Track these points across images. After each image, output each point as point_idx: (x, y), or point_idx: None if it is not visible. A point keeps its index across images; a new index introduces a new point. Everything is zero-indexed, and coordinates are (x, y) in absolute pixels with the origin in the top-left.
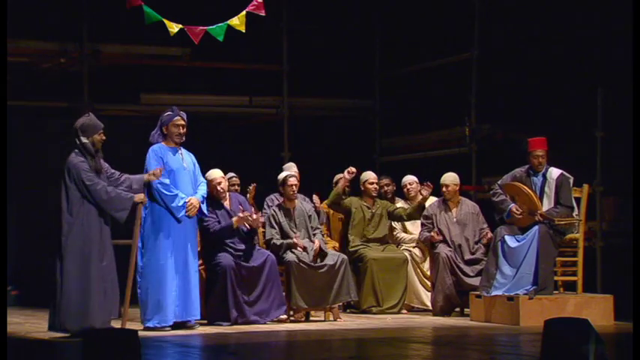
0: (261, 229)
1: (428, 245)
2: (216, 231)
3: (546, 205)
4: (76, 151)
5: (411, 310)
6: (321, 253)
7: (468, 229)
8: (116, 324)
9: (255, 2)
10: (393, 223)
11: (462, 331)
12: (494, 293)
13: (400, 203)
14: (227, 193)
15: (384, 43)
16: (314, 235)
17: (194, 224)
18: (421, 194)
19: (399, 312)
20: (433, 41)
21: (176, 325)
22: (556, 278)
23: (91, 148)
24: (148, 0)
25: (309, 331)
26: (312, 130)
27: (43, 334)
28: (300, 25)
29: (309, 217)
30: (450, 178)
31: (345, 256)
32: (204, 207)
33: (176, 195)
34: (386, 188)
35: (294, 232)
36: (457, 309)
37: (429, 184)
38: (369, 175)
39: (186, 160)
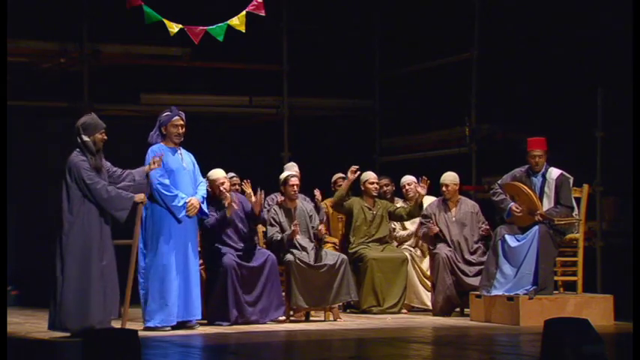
0: (261, 228)
1: (427, 241)
2: (213, 224)
3: (546, 205)
4: (78, 150)
5: (411, 309)
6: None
7: (468, 228)
8: (116, 324)
9: (255, 2)
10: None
11: (462, 331)
12: (494, 293)
13: (400, 203)
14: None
15: (384, 43)
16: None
17: (195, 224)
18: (418, 192)
19: (399, 312)
20: (433, 41)
21: (176, 325)
22: (556, 278)
23: (92, 147)
24: (147, 0)
25: (309, 331)
26: (312, 130)
27: (43, 334)
28: (300, 25)
29: (310, 216)
30: (450, 178)
31: (345, 256)
32: (204, 207)
33: (176, 195)
34: (385, 188)
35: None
36: (457, 309)
37: (424, 178)
38: (370, 175)
39: (185, 160)
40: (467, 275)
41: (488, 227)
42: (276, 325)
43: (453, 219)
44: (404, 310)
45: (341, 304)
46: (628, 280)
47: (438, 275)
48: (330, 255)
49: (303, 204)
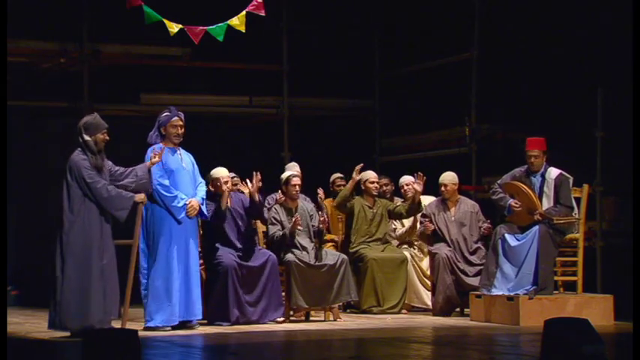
0: (262, 228)
1: (424, 240)
2: (212, 217)
3: (545, 205)
4: (79, 149)
5: (412, 309)
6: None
7: (467, 228)
8: (116, 324)
9: (255, 2)
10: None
11: (462, 331)
12: (494, 292)
13: (399, 203)
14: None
15: (384, 43)
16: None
17: (195, 224)
18: (414, 188)
19: (399, 312)
20: (433, 41)
21: (177, 325)
22: (556, 278)
23: (93, 147)
24: (147, 0)
25: (309, 331)
26: (312, 130)
27: (43, 334)
28: (300, 25)
29: (310, 216)
30: (449, 178)
31: (345, 256)
32: (204, 208)
33: (176, 196)
34: (385, 188)
35: (298, 229)
36: (457, 309)
37: (420, 174)
38: (370, 175)
39: (185, 160)
40: (467, 275)
41: (490, 225)
42: (276, 325)
43: (452, 219)
44: (404, 311)
45: (341, 304)
46: (628, 280)
47: (438, 275)
48: (331, 255)
49: (304, 204)
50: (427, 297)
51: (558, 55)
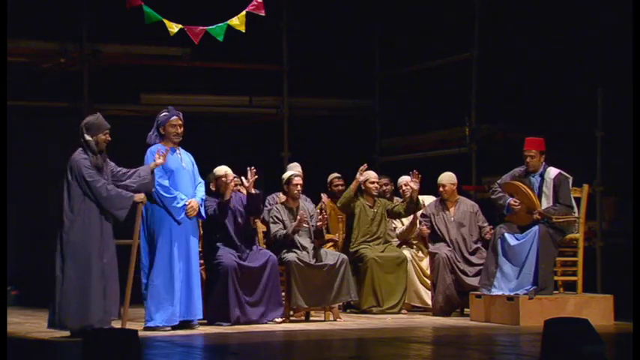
0: (262, 228)
1: (421, 241)
2: (215, 212)
3: (545, 204)
4: (81, 148)
5: (412, 309)
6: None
7: (466, 228)
8: (116, 324)
9: (255, 2)
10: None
11: (462, 331)
12: (494, 292)
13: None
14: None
15: (384, 43)
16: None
17: (195, 224)
18: (410, 187)
19: (399, 312)
20: (433, 41)
21: (177, 325)
22: (556, 278)
23: (94, 147)
24: (147, 0)
25: (309, 331)
26: (312, 130)
27: (43, 334)
28: (300, 25)
29: (311, 216)
30: (447, 178)
31: (345, 256)
32: (202, 210)
33: (175, 197)
34: (384, 188)
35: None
36: (457, 309)
37: (416, 172)
38: (370, 175)
39: (184, 159)
40: (467, 275)
41: (493, 232)
42: (276, 325)
43: (452, 219)
44: (404, 311)
45: (341, 304)
46: (628, 280)
47: (438, 275)
48: (331, 255)
49: (305, 204)
50: (427, 296)
51: (558, 55)
